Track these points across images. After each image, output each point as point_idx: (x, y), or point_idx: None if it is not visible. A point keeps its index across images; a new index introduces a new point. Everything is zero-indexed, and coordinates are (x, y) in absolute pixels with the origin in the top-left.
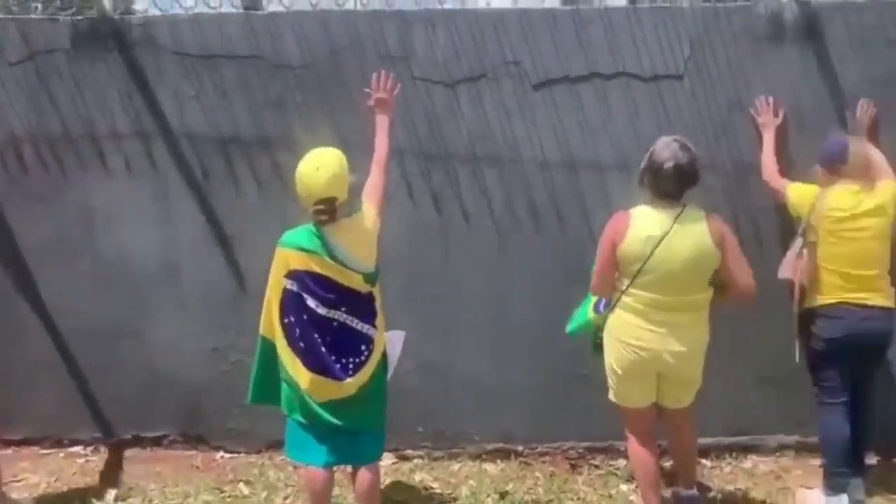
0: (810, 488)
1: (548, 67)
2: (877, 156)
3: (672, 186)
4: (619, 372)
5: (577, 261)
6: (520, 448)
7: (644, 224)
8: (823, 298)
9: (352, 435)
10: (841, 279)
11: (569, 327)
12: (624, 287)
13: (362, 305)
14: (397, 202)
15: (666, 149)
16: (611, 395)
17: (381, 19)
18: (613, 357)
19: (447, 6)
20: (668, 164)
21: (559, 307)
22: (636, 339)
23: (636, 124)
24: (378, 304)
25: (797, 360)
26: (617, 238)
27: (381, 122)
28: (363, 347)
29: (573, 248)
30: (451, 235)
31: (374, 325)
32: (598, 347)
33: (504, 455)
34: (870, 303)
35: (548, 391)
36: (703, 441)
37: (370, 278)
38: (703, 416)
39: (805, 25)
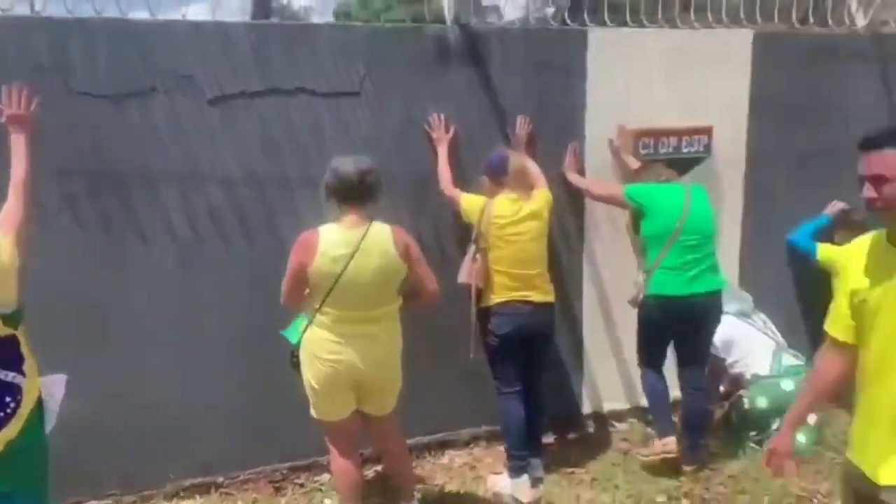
0: (499, 473)
1: (223, 82)
2: (532, 167)
3: (354, 191)
4: (318, 387)
5: (267, 276)
6: (220, 479)
7: (332, 243)
8: (495, 298)
9: (2, 498)
10: (508, 279)
11: (287, 331)
12: (317, 305)
13: (3, 351)
14: (61, 227)
15: (345, 157)
16: (312, 412)
17: (27, 27)
18: (311, 373)
19: (106, 15)
20: (349, 168)
21: (251, 325)
22: (330, 353)
23: (318, 139)
24: (25, 347)
25: (472, 355)
26: (306, 259)
27: (17, 140)
28: (8, 399)
29: (262, 262)
30: (126, 259)
31: (20, 372)
32: (296, 365)
33: (203, 489)
34: (532, 299)
35: (246, 415)
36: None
37: (10, 320)
38: (402, 419)
39: (467, 48)
